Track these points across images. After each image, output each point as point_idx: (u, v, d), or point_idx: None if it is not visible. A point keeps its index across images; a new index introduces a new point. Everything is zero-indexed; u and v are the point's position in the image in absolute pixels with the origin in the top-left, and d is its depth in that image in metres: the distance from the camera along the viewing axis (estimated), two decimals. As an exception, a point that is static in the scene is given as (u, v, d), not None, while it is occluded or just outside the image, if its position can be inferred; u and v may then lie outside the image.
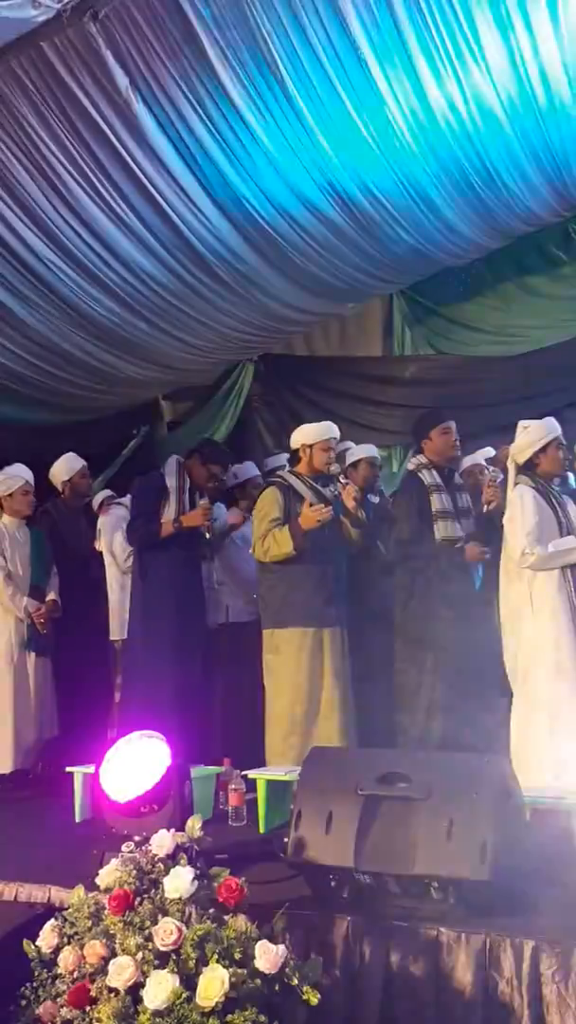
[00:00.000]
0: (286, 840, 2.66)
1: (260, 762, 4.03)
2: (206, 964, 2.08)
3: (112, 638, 5.25)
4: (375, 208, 5.07)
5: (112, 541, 5.30)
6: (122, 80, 4.10)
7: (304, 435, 4.46)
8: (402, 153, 4.75)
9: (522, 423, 4.05)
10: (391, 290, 6.67)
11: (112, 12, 3.83)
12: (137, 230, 4.83)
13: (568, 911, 2.52)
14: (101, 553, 5.36)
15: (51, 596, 4.87)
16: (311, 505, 4.20)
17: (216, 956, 2.08)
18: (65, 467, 5.45)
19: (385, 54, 4.19)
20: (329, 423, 4.56)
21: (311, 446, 4.41)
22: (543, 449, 3.98)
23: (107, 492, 5.79)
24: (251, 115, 4.33)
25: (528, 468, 4.00)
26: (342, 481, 4.43)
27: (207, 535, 4.64)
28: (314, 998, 2.14)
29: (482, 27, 4.22)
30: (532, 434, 3.98)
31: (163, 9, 3.84)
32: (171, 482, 4.64)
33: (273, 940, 2.19)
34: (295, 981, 2.14)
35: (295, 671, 4.16)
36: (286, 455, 4.84)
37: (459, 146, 4.80)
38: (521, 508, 3.86)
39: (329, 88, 4.30)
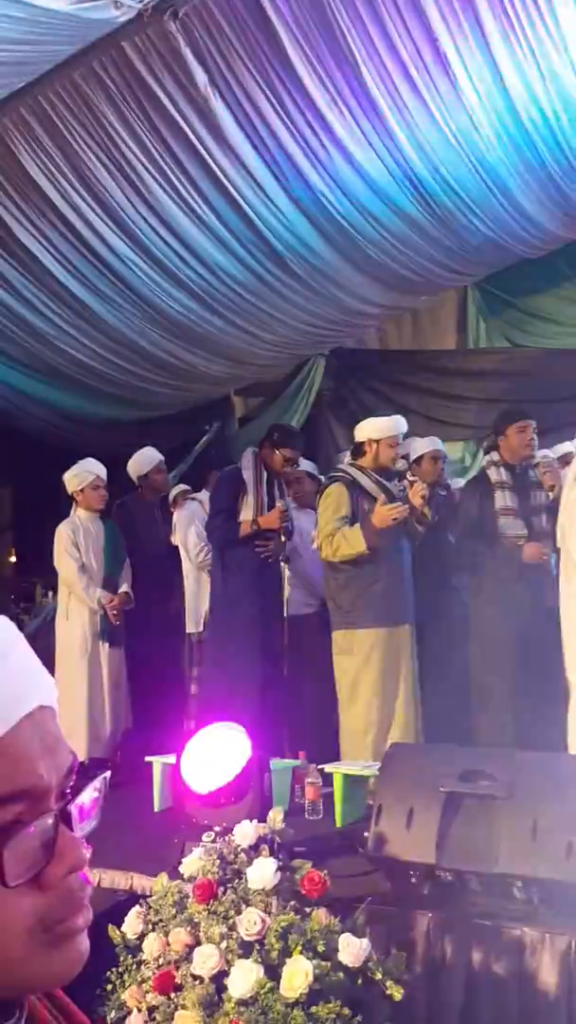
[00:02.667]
0: (366, 835, 2.65)
1: (329, 757, 4.03)
2: (289, 955, 2.08)
3: (187, 631, 5.30)
4: (451, 199, 5.02)
5: (186, 536, 5.35)
6: (201, 77, 4.14)
7: (372, 429, 4.35)
8: (480, 143, 4.69)
9: None
10: (466, 282, 6.60)
11: (192, 11, 3.86)
12: (213, 226, 4.86)
13: None
14: (177, 548, 5.41)
15: (123, 588, 4.94)
16: (385, 503, 4.14)
17: (299, 948, 2.08)
18: (142, 461, 5.49)
19: (464, 45, 4.15)
20: (398, 417, 4.47)
21: (378, 441, 4.30)
22: None
23: (183, 487, 5.85)
24: (328, 110, 4.32)
25: None
26: (409, 478, 4.34)
27: (283, 538, 4.62)
28: (397, 993, 2.14)
29: (562, 13, 4.14)
30: None
31: (242, 6, 3.86)
32: (248, 475, 4.63)
33: (356, 934, 2.19)
34: (378, 975, 2.14)
35: (371, 672, 4.10)
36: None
37: (538, 135, 4.72)
38: None
39: (407, 80, 4.27)
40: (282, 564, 5.05)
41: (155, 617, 5.11)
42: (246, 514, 4.55)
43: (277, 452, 4.62)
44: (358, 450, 4.38)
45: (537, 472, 4.64)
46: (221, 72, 4.13)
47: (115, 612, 4.85)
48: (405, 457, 4.99)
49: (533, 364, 6.70)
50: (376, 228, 5.06)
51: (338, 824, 3.38)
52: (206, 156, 4.46)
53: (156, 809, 3.73)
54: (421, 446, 5.19)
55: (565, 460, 4.93)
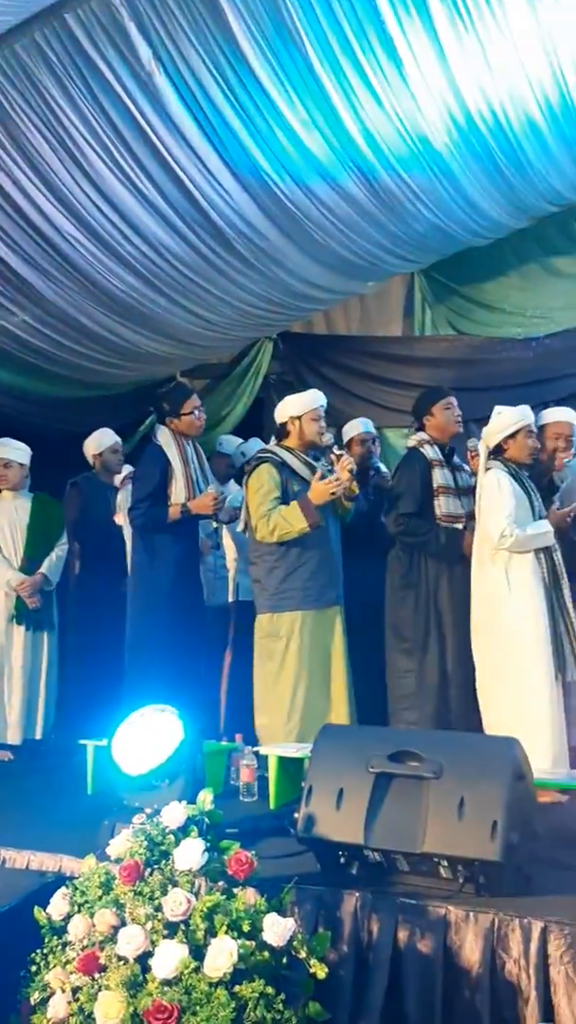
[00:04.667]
0: (297, 816, 2.67)
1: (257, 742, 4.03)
2: (215, 935, 2.09)
3: None
4: (397, 183, 5.01)
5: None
6: (144, 51, 4.06)
7: (292, 406, 4.32)
8: (426, 128, 4.69)
9: (497, 408, 4.05)
10: (412, 268, 6.61)
11: (136, -18, 3.79)
12: (157, 204, 4.80)
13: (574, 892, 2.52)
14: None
15: (41, 570, 4.89)
16: (322, 477, 4.13)
17: (225, 928, 2.09)
18: (96, 442, 5.49)
19: (411, 29, 4.14)
20: (315, 391, 4.46)
21: (300, 417, 4.29)
22: (512, 436, 3.96)
23: (129, 468, 5.78)
24: (274, 88, 4.28)
25: (497, 453, 3.98)
26: (336, 452, 4.31)
27: (214, 525, 4.60)
28: (321, 972, 2.16)
29: (510, 2, 4.15)
30: (504, 420, 3.97)
31: (187, -21, 3.80)
32: (171, 452, 4.57)
33: (282, 914, 2.20)
34: (303, 954, 2.16)
35: (296, 655, 4.10)
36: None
37: (484, 122, 4.73)
38: (497, 491, 3.86)
39: (354, 62, 4.24)
40: (223, 549, 5.03)
41: (104, 599, 5.08)
42: (176, 497, 4.50)
43: (180, 415, 4.58)
44: (282, 430, 4.36)
45: (465, 457, 4.69)
46: (166, 47, 4.06)
47: (28, 595, 4.80)
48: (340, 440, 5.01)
49: (477, 352, 6.76)
50: (321, 210, 5.03)
51: (272, 806, 3.40)
52: (150, 133, 4.39)
53: (90, 792, 3.72)
54: (352, 427, 5.24)
55: None
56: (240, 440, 5.54)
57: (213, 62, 4.14)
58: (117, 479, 5.50)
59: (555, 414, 4.49)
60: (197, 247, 5.14)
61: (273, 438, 4.48)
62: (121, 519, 5.33)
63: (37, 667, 4.87)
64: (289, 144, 4.58)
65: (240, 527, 4.43)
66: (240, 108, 4.36)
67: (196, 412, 4.65)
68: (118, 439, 5.49)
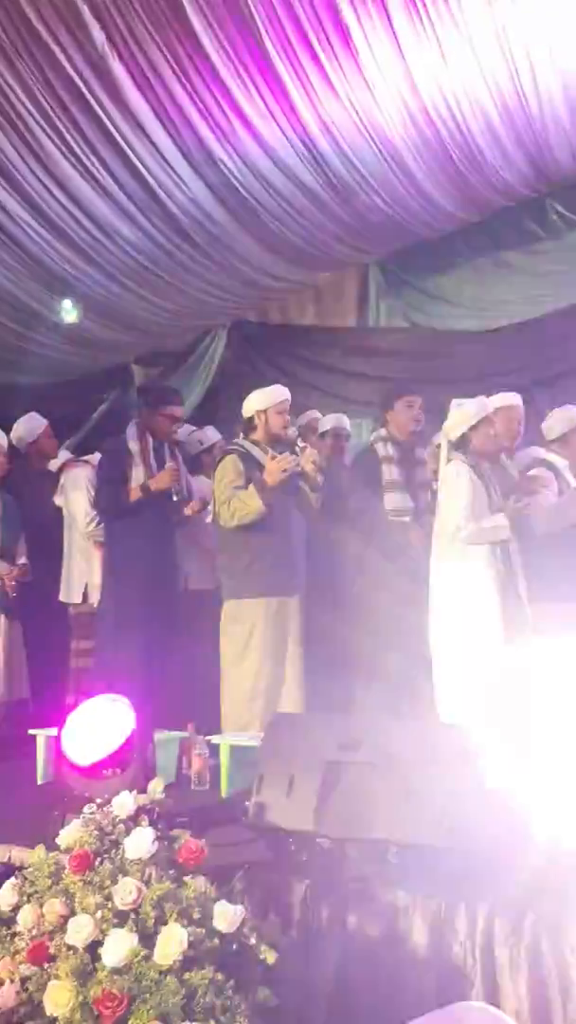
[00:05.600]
0: (248, 804, 2.68)
1: (221, 728, 4.06)
2: (165, 923, 2.10)
3: (64, 600, 5.15)
4: (352, 175, 5.03)
5: (73, 500, 5.18)
6: (98, 36, 4.02)
7: (258, 400, 4.36)
8: (381, 121, 4.71)
9: (456, 400, 4.09)
10: (366, 260, 6.64)
11: (89, -36, 3.75)
12: (111, 190, 4.76)
13: (522, 877, 2.56)
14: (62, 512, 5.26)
15: (22, 560, 4.84)
16: (273, 458, 4.16)
17: (175, 915, 2.10)
18: (27, 428, 5.31)
19: (367, 21, 4.15)
20: (279, 386, 4.49)
21: (265, 411, 4.33)
22: (475, 427, 4.01)
23: (67, 454, 5.69)
24: (229, 78, 4.27)
25: (461, 445, 4.03)
26: (300, 444, 4.37)
27: (175, 497, 4.58)
28: (271, 957, 2.17)
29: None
30: (467, 411, 4.01)
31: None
32: (134, 445, 4.57)
33: (232, 901, 2.22)
34: (253, 941, 2.17)
35: (257, 640, 4.16)
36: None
37: (438, 116, 4.77)
38: (456, 484, 3.91)
39: (309, 53, 4.25)
40: (177, 537, 5.01)
41: (45, 588, 5.03)
42: (136, 482, 4.50)
43: (159, 413, 4.57)
44: (249, 424, 4.39)
45: (425, 451, 4.73)
46: (120, 33, 4.02)
47: (12, 584, 4.75)
48: (313, 433, 5.03)
49: (431, 345, 6.81)
50: (278, 200, 5.04)
51: (224, 794, 3.41)
52: (104, 119, 4.35)
53: (40, 782, 3.69)
54: (327, 421, 5.26)
55: None
56: (193, 428, 5.52)
57: (168, 48, 4.11)
58: (54, 464, 5.40)
59: (506, 399, 4.52)
60: (151, 233, 5.11)
61: (240, 432, 4.53)
62: (63, 500, 5.24)
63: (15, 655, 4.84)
64: (244, 132, 4.58)
65: (209, 517, 4.46)
66: (195, 95, 4.35)
67: (175, 422, 4.65)
68: (46, 423, 5.34)
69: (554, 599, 4.23)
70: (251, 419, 4.37)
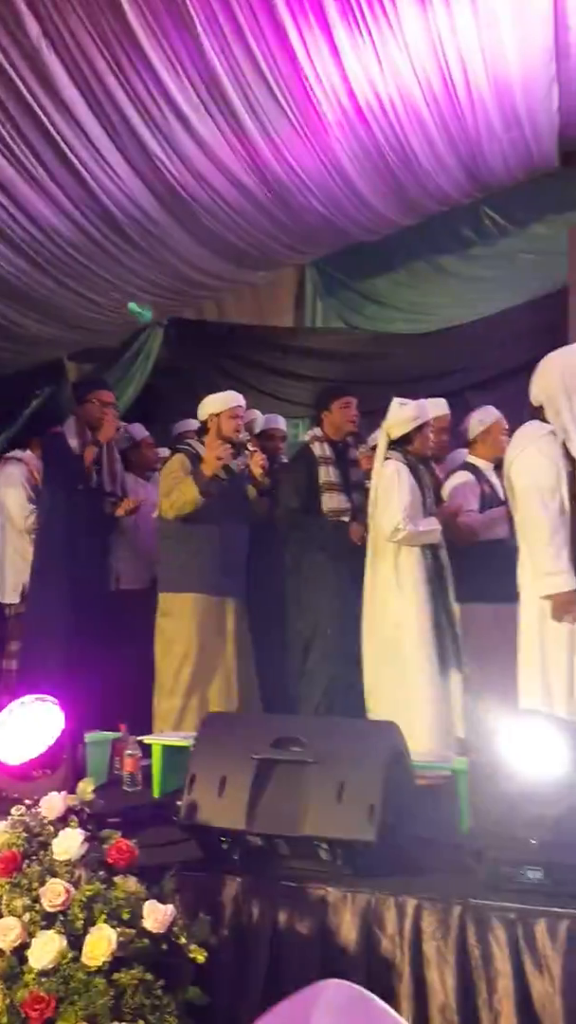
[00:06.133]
0: (179, 804, 2.68)
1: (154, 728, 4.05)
2: (94, 924, 2.09)
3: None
4: (289, 176, 5.05)
5: (8, 497, 5.11)
6: (33, 28, 3.96)
7: (210, 405, 4.47)
8: (318, 123, 4.73)
9: (398, 400, 4.15)
10: (304, 260, 6.68)
11: (24, -45, 3.69)
12: (45, 184, 4.70)
13: (450, 870, 2.61)
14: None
15: None
16: (229, 471, 4.23)
17: (104, 917, 2.09)
18: None
19: (304, 22, 4.16)
20: (233, 392, 4.57)
21: (219, 414, 4.41)
22: (419, 428, 4.07)
23: None
24: (165, 71, 4.24)
25: (400, 444, 4.08)
26: (250, 449, 4.45)
27: (111, 496, 4.60)
28: (201, 956, 2.18)
29: (402, 2, 4.23)
30: (410, 411, 4.07)
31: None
32: (74, 442, 4.57)
33: (163, 901, 2.21)
34: (183, 940, 2.17)
35: (185, 635, 4.18)
36: (195, 420, 4.79)
37: (374, 120, 4.81)
38: (397, 484, 3.96)
39: (246, 51, 4.24)
40: (110, 537, 4.98)
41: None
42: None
43: (87, 402, 4.60)
44: (203, 428, 4.47)
45: (358, 452, 4.78)
46: (55, 26, 3.97)
47: None
48: (248, 428, 5.04)
49: (367, 346, 6.88)
50: (214, 198, 5.03)
51: (156, 795, 3.40)
52: (39, 111, 4.28)
53: (-32, 784, 3.62)
54: (263, 421, 5.27)
55: None
56: (122, 424, 5.46)
57: (104, 42, 4.07)
58: None
59: (437, 406, 4.59)
60: (86, 229, 5.06)
61: (195, 433, 4.60)
62: None
63: None
64: (181, 129, 4.55)
65: (155, 512, 4.47)
66: (131, 90, 4.31)
67: (106, 404, 4.64)
68: None
69: (482, 600, 4.33)
70: (205, 423, 4.45)
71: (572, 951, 2.29)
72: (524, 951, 2.33)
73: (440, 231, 6.72)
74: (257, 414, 5.30)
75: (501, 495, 4.36)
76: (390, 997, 2.39)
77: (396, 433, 4.08)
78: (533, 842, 2.47)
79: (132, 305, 5.50)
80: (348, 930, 2.47)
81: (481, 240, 6.74)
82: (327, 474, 4.51)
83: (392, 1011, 0.58)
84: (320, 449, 4.54)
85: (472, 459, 4.61)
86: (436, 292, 6.85)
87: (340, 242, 6.26)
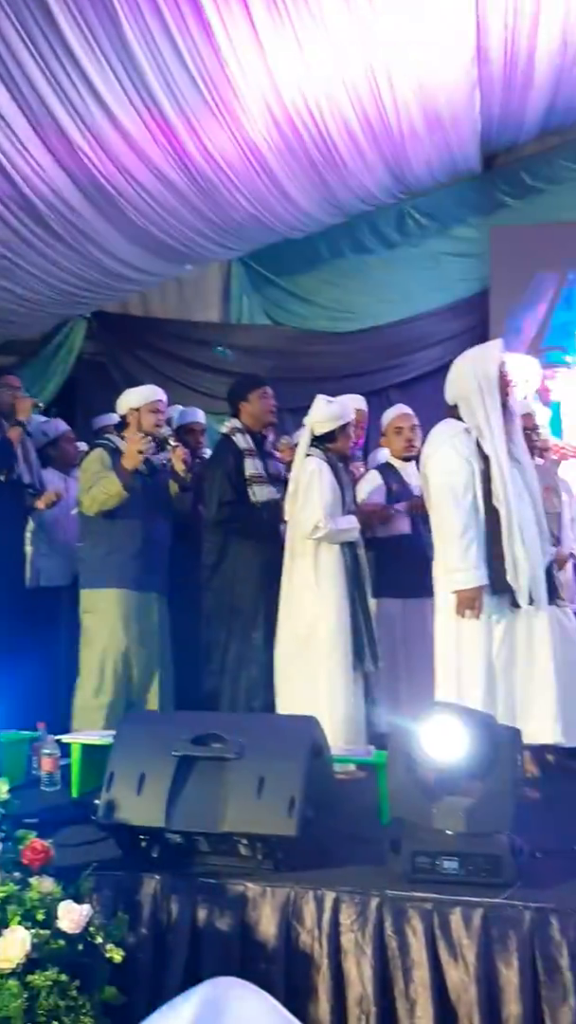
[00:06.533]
0: (97, 802, 2.65)
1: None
2: (7, 926, 2.05)
3: None
4: (216, 173, 5.03)
5: None
6: (-52, 9, 3.86)
7: (133, 398, 4.39)
8: (243, 119, 4.73)
9: (323, 397, 4.15)
10: (230, 256, 6.66)
11: None
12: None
13: (369, 863, 2.64)
14: None
15: None
16: (151, 466, 4.17)
17: (18, 918, 2.05)
18: None
19: (229, 17, 4.15)
20: (154, 386, 4.52)
21: (139, 409, 4.34)
22: (343, 428, 4.08)
23: None
24: (89, 63, 4.17)
25: (322, 442, 4.09)
26: (172, 443, 4.40)
27: (29, 490, 4.52)
28: (117, 956, 2.16)
29: (328, 4, 4.24)
30: (336, 410, 4.08)
31: None
32: None
33: (79, 901, 2.19)
34: (99, 940, 2.15)
35: (108, 632, 4.13)
36: (115, 415, 4.72)
37: (299, 118, 4.82)
38: (318, 482, 3.96)
39: (172, 49, 4.21)
40: (28, 534, 4.90)
41: None
42: None
43: None
44: (123, 422, 4.40)
45: (280, 443, 4.77)
46: (-27, 8, 3.88)
47: None
48: (169, 423, 4.99)
49: (292, 343, 6.91)
50: (139, 191, 4.98)
51: (75, 794, 3.36)
52: (-44, 96, 4.18)
53: None
54: (186, 415, 5.23)
55: None
56: (44, 419, 5.37)
57: (25, 30, 3.98)
58: None
59: (356, 402, 4.62)
60: (7, 220, 4.95)
61: (115, 428, 4.52)
62: None
63: None
64: (105, 121, 4.49)
65: (74, 509, 4.41)
66: (54, 80, 4.22)
67: (15, 389, 4.56)
68: None
69: (391, 595, 4.39)
70: (124, 417, 4.38)
71: (487, 939, 2.35)
72: (440, 940, 2.37)
73: (365, 231, 6.79)
74: (178, 408, 5.27)
75: (414, 492, 4.42)
76: (308, 990, 2.42)
77: (320, 430, 4.08)
78: (449, 833, 2.52)
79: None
80: (267, 925, 2.47)
81: (406, 241, 6.83)
82: (253, 466, 4.47)
83: (280, 1006, 0.59)
84: (244, 441, 4.49)
85: (389, 458, 4.68)
86: (361, 291, 6.91)
87: (266, 239, 6.27)
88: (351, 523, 4.00)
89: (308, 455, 4.05)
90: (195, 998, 0.64)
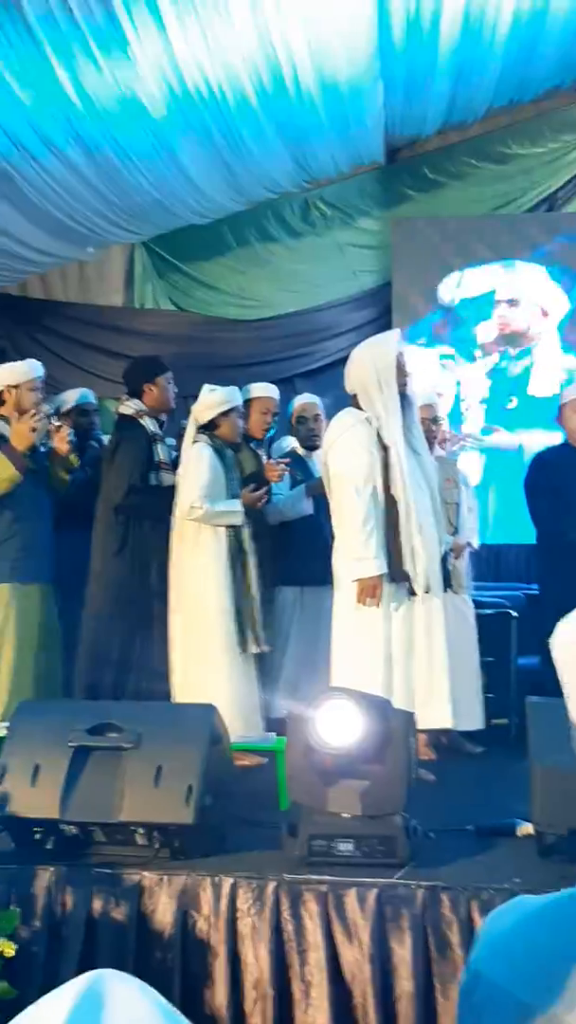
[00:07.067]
0: (-11, 796, 2.60)
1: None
2: None
3: None
4: (118, 155, 4.94)
5: None
6: None
7: (9, 375, 4.18)
8: (146, 101, 4.65)
9: (207, 386, 4.15)
10: (133, 240, 6.56)
11: None
12: None
13: (267, 848, 2.66)
14: None
15: None
16: (19, 418, 4.01)
17: None
18: None
19: (133, 2, 4.07)
20: (33, 361, 4.33)
21: (17, 387, 4.16)
22: (225, 414, 4.08)
23: None
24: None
25: (208, 429, 4.08)
26: (55, 424, 4.24)
27: None
28: (9, 949, 2.13)
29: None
30: (217, 397, 4.08)
31: None
32: None
33: (-31, 896, 2.14)
34: (-10, 934, 2.11)
35: (2, 627, 4.00)
36: None
37: (203, 103, 4.77)
38: (197, 464, 3.97)
39: (72, 25, 4.10)
40: None
41: None
42: None
43: None
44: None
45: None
46: None
47: None
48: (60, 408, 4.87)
49: (197, 329, 6.86)
50: (39, 172, 4.85)
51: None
52: None
53: None
54: (71, 397, 5.08)
55: None
56: None
57: None
58: None
59: (259, 389, 4.60)
60: None
61: None
62: None
63: None
64: (4, 100, 4.36)
65: None
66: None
67: None
68: None
69: (296, 583, 4.41)
70: (0, 394, 4.18)
71: (380, 919, 2.39)
72: (335, 921, 2.41)
73: (271, 219, 6.79)
74: (79, 391, 5.16)
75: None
76: (205, 976, 2.42)
77: (203, 418, 4.07)
78: (345, 816, 2.56)
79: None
80: (164, 913, 2.47)
81: (311, 230, 6.85)
82: (161, 451, 4.41)
83: (160, 997, 0.58)
84: (152, 425, 4.40)
85: (294, 446, 4.70)
86: (266, 279, 6.91)
87: (170, 224, 6.19)
88: (232, 506, 3.98)
89: (195, 441, 4.04)
90: (73, 990, 0.63)
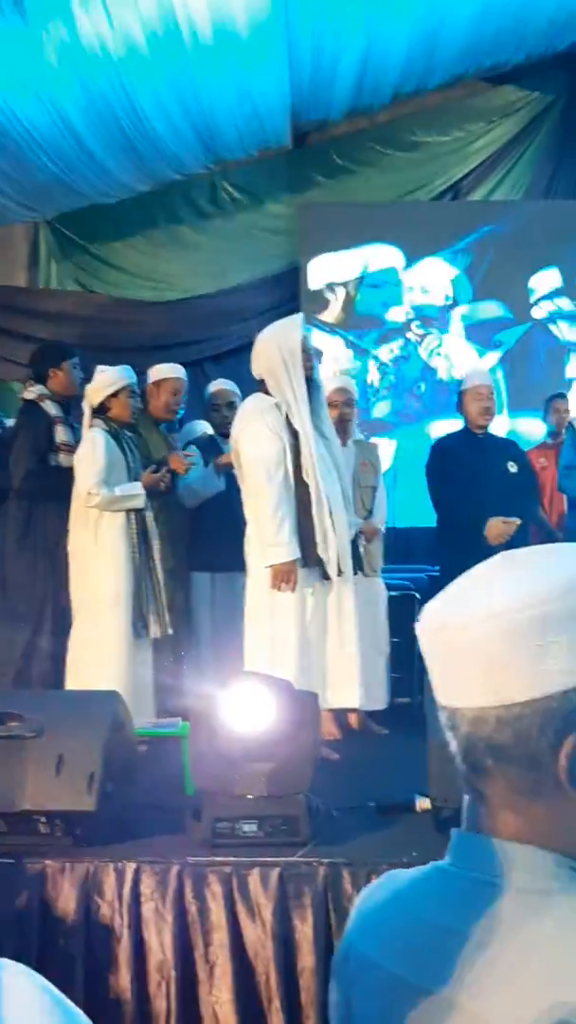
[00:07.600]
0: None
1: None
2: None
3: None
4: (18, 132, 4.81)
5: None
6: None
7: None
8: (49, 80, 4.54)
9: (99, 367, 4.10)
10: (36, 218, 6.41)
11: None
12: None
13: (171, 832, 2.66)
14: None
15: None
16: None
17: None
18: None
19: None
20: None
21: None
22: (115, 395, 4.03)
23: None
24: None
25: (102, 412, 4.04)
26: None
27: None
28: None
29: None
30: (106, 378, 4.03)
31: None
32: None
33: None
34: None
35: None
36: None
37: (107, 80, 4.68)
38: (92, 449, 3.91)
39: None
40: None
41: None
42: None
43: None
44: None
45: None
46: None
47: None
48: None
49: (104, 311, 6.74)
50: None
51: None
52: None
53: None
54: None
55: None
56: None
57: None
58: None
59: (164, 370, 4.55)
60: None
61: None
62: None
63: None
64: None
65: None
66: None
67: None
68: None
69: (207, 568, 4.40)
70: None
71: (283, 897, 2.43)
72: (238, 902, 2.44)
73: (179, 200, 6.72)
74: None
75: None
76: (108, 961, 2.42)
77: (94, 400, 4.01)
78: (250, 797, 2.58)
79: None
80: (67, 900, 2.46)
81: (219, 213, 6.82)
82: (63, 433, 4.33)
83: (52, 987, 0.58)
84: (53, 408, 4.32)
85: (208, 430, 4.67)
86: (174, 260, 6.84)
87: (74, 203, 6.07)
88: (133, 490, 3.93)
89: (91, 426, 3.98)
90: None
